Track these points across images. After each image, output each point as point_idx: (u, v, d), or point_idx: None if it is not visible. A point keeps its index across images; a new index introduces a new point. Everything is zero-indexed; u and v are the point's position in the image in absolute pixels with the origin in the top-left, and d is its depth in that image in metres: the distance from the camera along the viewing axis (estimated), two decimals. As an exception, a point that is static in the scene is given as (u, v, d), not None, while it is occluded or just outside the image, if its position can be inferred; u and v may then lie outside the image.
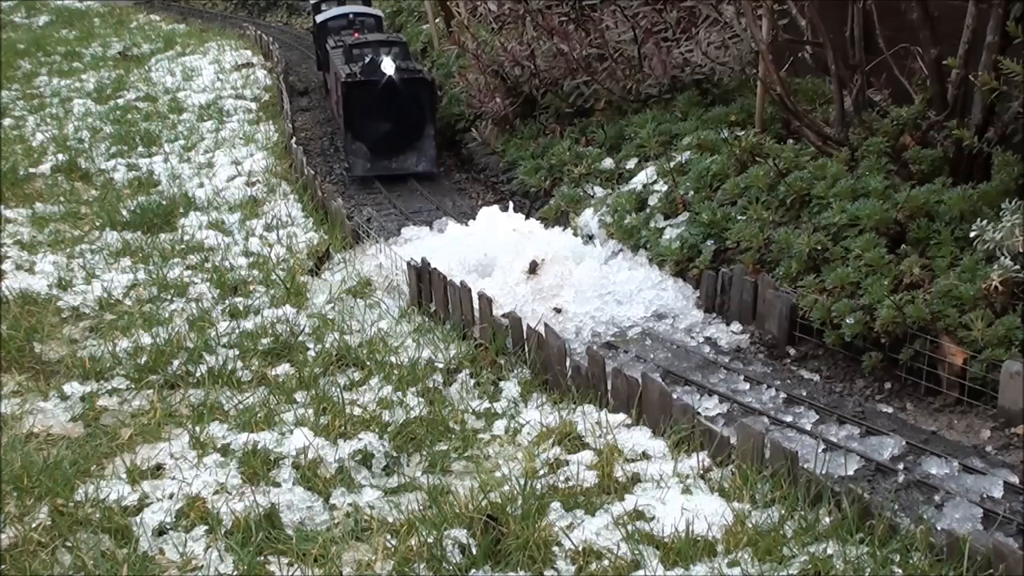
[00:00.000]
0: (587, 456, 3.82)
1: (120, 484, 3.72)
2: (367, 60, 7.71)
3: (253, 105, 11.37)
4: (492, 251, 5.75)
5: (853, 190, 5.17)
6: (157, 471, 3.85)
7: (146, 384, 4.64)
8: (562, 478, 3.67)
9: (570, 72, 7.72)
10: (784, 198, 5.47)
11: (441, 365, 4.68)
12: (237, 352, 4.89)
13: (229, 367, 4.73)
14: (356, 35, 8.86)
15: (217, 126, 10.31)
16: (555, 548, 3.27)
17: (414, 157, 8.12)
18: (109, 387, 4.63)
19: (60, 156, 9.12)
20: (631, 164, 6.74)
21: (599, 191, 6.62)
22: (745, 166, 5.91)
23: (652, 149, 6.72)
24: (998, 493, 3.63)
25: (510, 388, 4.52)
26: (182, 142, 9.73)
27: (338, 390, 4.43)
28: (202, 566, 3.28)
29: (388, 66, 7.37)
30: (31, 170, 8.76)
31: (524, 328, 4.71)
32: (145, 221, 7.20)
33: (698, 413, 3.99)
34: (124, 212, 7.39)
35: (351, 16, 10.49)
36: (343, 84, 7.44)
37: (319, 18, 10.87)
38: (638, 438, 3.94)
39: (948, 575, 3.00)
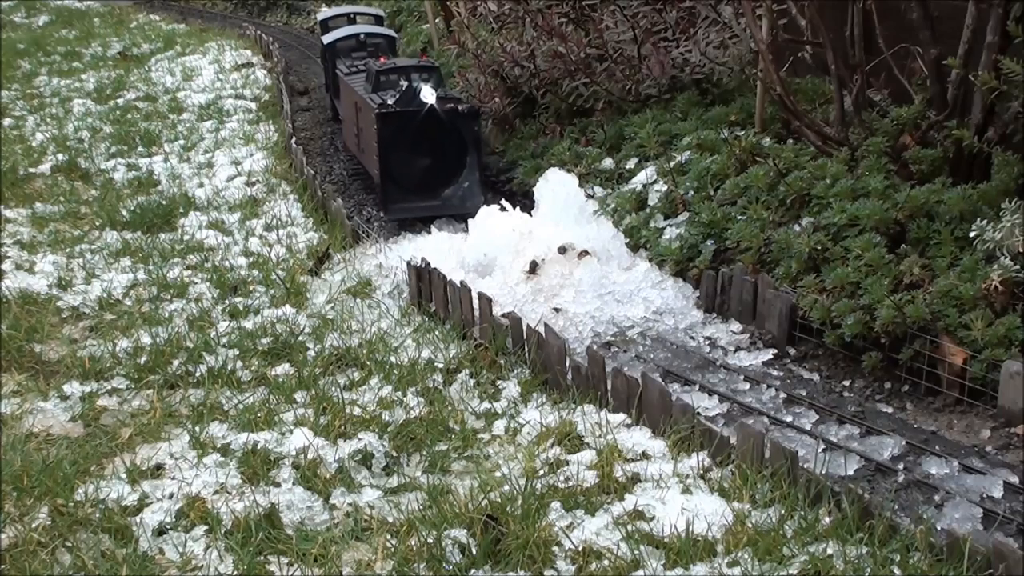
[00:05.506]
0: (587, 456, 3.83)
1: (120, 484, 3.72)
2: (403, 88, 6.82)
3: (253, 105, 11.36)
4: (492, 251, 5.74)
5: (853, 190, 5.17)
6: (157, 471, 3.86)
7: (146, 384, 4.64)
8: (562, 478, 3.67)
9: (569, 73, 7.72)
10: (784, 198, 5.47)
11: (441, 365, 4.69)
12: (237, 352, 4.89)
13: (229, 367, 4.73)
14: (383, 59, 7.48)
15: (217, 126, 10.30)
16: (555, 548, 3.27)
17: (458, 195, 7.18)
18: (109, 387, 4.63)
19: (60, 156, 9.11)
20: (631, 164, 6.74)
21: (599, 191, 6.62)
22: (745, 166, 5.91)
23: (652, 149, 6.72)
24: (998, 493, 3.63)
25: (510, 388, 4.52)
26: (182, 142, 9.73)
27: (338, 390, 4.43)
28: (202, 566, 3.28)
29: (428, 94, 6.53)
30: (31, 170, 8.76)
31: (524, 328, 4.71)
32: (145, 221, 7.20)
33: (698, 413, 3.99)
34: (124, 212, 7.39)
35: (361, 36, 9.45)
36: (377, 116, 6.49)
37: (327, 39, 9.67)
38: (638, 438, 3.94)
39: (948, 575, 3.00)
